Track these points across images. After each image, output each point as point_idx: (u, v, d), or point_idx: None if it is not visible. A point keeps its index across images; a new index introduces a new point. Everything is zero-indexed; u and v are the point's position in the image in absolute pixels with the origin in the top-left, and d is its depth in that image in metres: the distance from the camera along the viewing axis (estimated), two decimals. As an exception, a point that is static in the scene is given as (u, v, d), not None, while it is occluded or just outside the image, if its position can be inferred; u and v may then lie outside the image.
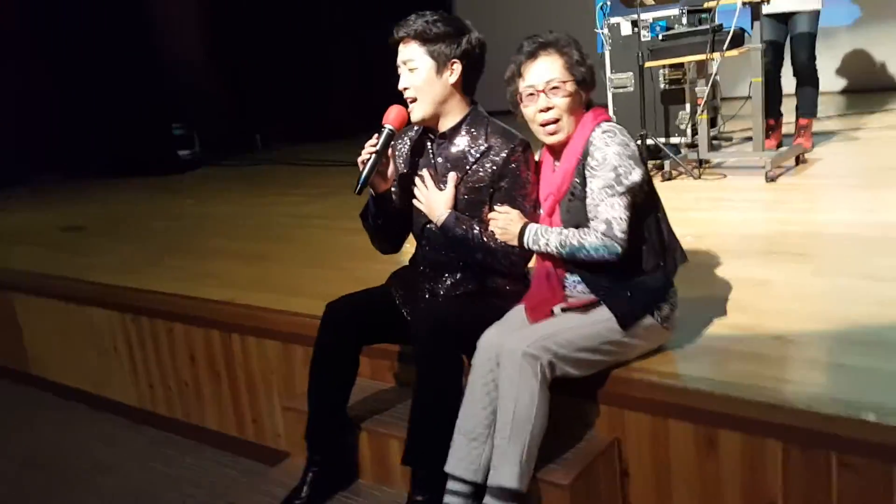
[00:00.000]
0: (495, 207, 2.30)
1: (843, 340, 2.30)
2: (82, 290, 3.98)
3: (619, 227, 2.09)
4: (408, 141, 2.49)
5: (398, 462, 2.29)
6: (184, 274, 3.91)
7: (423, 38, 2.28)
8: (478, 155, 2.33)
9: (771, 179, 4.41)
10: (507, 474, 2.02)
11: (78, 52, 8.02)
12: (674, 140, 5.47)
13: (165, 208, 6.29)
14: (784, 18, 5.10)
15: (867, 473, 1.87)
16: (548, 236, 2.19)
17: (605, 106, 5.53)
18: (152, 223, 5.61)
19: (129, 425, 3.85)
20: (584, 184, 2.17)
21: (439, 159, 2.39)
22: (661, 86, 5.50)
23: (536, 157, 2.38)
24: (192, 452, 3.51)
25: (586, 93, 2.24)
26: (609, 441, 2.25)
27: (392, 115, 2.33)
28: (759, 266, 3.03)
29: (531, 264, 2.38)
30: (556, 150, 2.27)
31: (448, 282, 2.40)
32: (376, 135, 2.31)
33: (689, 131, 5.31)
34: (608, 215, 2.10)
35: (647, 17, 5.32)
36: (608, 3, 5.43)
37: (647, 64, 4.87)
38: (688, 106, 5.37)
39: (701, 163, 4.89)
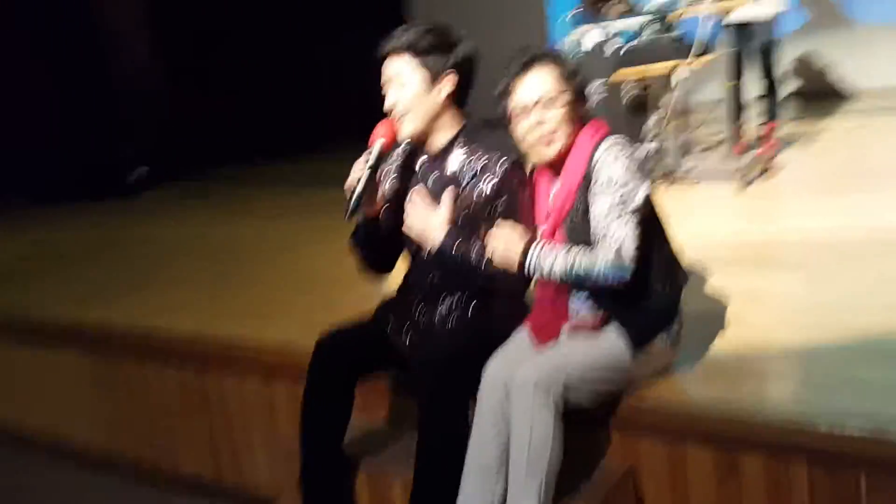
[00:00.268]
0: (494, 227, 2.16)
1: (854, 352, 2.25)
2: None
3: (629, 249, 2.00)
4: (396, 161, 2.35)
5: (401, 505, 2.15)
6: (145, 307, 3.70)
7: (415, 50, 2.14)
8: (473, 174, 2.19)
9: (746, 185, 4.41)
10: (525, 510, 1.91)
11: (11, 62, 7.52)
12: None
13: (115, 236, 5.97)
14: (743, 27, 5.18)
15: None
16: (552, 259, 2.05)
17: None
18: (102, 253, 5.32)
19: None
20: (587, 203, 2.07)
21: (431, 179, 2.26)
22: (628, 96, 5.48)
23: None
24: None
25: (582, 104, 2.14)
26: (624, 470, 2.15)
27: (382, 131, 2.17)
28: (750, 276, 2.97)
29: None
30: (554, 166, 2.16)
31: (444, 307, 2.26)
32: (364, 155, 2.16)
33: (655, 141, 5.29)
34: (618, 236, 2.00)
35: (614, 28, 5.29)
36: (572, 15, 5.38)
37: (612, 78, 4.86)
38: (654, 116, 5.35)
39: (671, 172, 4.87)
